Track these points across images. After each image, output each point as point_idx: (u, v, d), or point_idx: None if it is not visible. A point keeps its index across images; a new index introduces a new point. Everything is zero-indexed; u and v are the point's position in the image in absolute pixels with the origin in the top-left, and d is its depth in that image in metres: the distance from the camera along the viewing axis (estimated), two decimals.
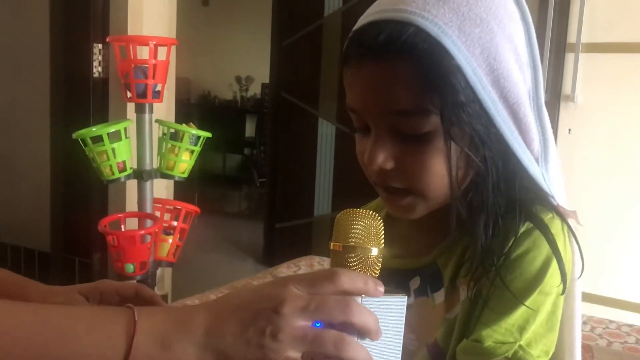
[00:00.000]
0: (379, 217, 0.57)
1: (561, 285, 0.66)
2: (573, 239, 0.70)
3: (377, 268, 0.57)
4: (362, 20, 0.65)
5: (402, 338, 0.57)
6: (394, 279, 0.68)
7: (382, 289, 0.54)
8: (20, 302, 0.54)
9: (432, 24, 0.59)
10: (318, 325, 0.52)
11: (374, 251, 0.56)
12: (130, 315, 0.51)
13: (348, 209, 0.57)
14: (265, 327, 0.50)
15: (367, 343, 0.54)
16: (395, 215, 0.72)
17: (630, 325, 1.58)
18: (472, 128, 0.62)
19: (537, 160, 0.69)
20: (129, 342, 0.50)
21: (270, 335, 0.49)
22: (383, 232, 0.57)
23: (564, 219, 0.69)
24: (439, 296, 0.72)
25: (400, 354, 0.57)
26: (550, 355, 0.69)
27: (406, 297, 0.57)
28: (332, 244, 0.57)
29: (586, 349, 1.39)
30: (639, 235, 2.42)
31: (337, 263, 0.56)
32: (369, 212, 0.56)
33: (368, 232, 0.56)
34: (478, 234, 0.65)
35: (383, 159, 0.64)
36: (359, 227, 0.56)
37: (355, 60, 0.63)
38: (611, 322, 1.60)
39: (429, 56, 0.59)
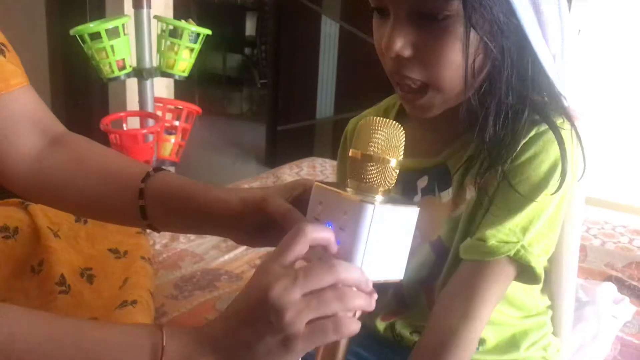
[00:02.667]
0: (401, 128, 0.57)
1: (566, 188, 0.68)
2: (578, 144, 0.70)
3: (393, 178, 0.57)
4: None
5: (409, 248, 0.58)
6: (403, 178, 0.70)
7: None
8: (56, 316, 0.55)
9: None
10: (329, 227, 0.55)
11: (392, 162, 0.56)
12: (158, 339, 0.52)
13: (372, 117, 0.57)
14: (269, 317, 0.50)
15: (373, 251, 0.55)
16: (412, 115, 0.72)
17: (624, 226, 1.62)
18: (493, 15, 0.60)
19: (554, 58, 0.68)
20: None
21: (277, 321, 0.50)
22: (403, 143, 0.57)
23: (572, 124, 0.69)
24: (446, 195, 0.73)
25: (405, 263, 0.59)
26: (549, 254, 0.71)
27: (418, 210, 0.58)
28: (351, 150, 0.57)
29: (580, 248, 1.43)
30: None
31: (355, 170, 0.56)
32: (391, 122, 0.56)
33: (389, 142, 0.56)
34: (487, 126, 0.66)
35: (401, 46, 0.63)
36: (380, 136, 0.56)
37: None
38: (607, 222, 1.64)
39: None
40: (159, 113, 2.23)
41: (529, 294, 0.78)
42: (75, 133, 0.80)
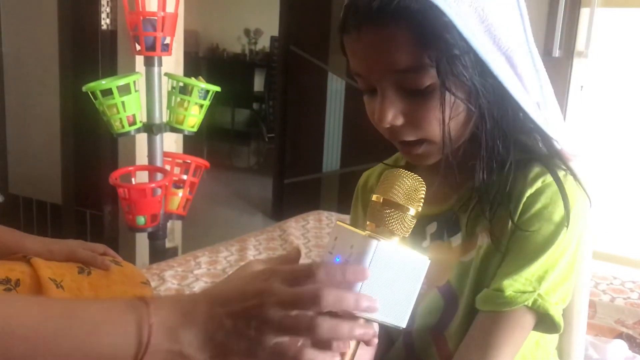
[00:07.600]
0: (424, 183, 0.60)
1: (580, 236, 0.71)
2: (578, 184, 0.73)
3: (409, 228, 0.60)
4: None
5: (415, 298, 0.60)
6: None
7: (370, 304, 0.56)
8: (47, 299, 0.58)
9: None
10: (337, 260, 0.58)
11: (411, 211, 0.59)
12: (143, 312, 0.56)
13: (398, 169, 0.61)
14: (251, 322, 0.55)
15: (371, 287, 0.56)
16: (414, 163, 0.76)
17: (634, 282, 1.60)
18: (468, 78, 0.65)
19: (538, 105, 0.72)
20: (143, 339, 0.55)
21: (255, 328, 0.55)
22: (423, 197, 0.60)
23: (567, 166, 0.73)
24: (456, 240, 0.76)
25: (409, 312, 0.60)
26: (566, 303, 0.72)
27: (429, 262, 0.60)
28: (374, 196, 0.60)
29: (589, 304, 1.41)
30: None
31: (374, 214, 0.60)
32: (415, 176, 0.60)
33: (410, 193, 0.59)
34: (478, 170, 0.71)
35: (392, 117, 0.68)
36: (403, 186, 0.59)
37: (353, 29, 0.67)
38: (615, 278, 1.62)
39: (421, 16, 0.62)
40: (168, 167, 2.26)
41: (540, 349, 0.78)
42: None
